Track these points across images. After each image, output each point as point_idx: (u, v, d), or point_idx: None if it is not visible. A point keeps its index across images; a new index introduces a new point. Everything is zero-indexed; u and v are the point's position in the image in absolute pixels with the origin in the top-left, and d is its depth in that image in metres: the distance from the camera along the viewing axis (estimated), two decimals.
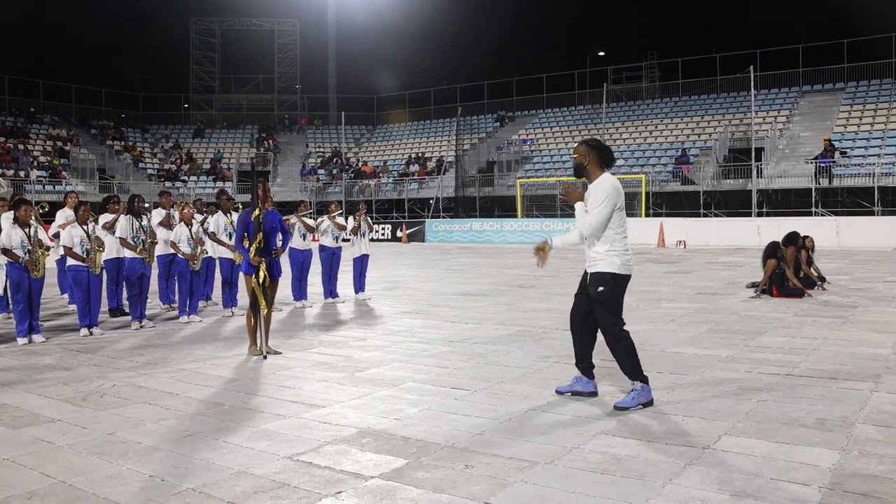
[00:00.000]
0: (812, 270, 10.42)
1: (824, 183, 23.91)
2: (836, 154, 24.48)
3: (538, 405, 4.58)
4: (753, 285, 10.16)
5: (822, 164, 23.99)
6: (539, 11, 49.29)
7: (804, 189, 24.28)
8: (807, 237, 10.53)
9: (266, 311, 6.41)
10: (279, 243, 6.73)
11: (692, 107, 33.37)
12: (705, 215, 25.26)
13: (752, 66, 27.27)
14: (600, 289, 4.45)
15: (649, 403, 4.46)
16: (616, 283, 4.47)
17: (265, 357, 6.28)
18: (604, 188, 4.45)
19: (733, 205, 25.55)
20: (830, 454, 3.58)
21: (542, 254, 4.72)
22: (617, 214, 4.46)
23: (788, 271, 9.69)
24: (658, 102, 35.18)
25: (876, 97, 28.79)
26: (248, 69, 45.04)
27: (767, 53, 32.05)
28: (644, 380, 4.49)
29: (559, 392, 4.81)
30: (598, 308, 4.49)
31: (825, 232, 19.26)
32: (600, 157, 4.56)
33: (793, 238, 10.11)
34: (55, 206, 10.59)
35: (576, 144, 4.63)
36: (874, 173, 23.12)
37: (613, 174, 4.65)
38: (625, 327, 4.51)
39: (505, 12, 49.27)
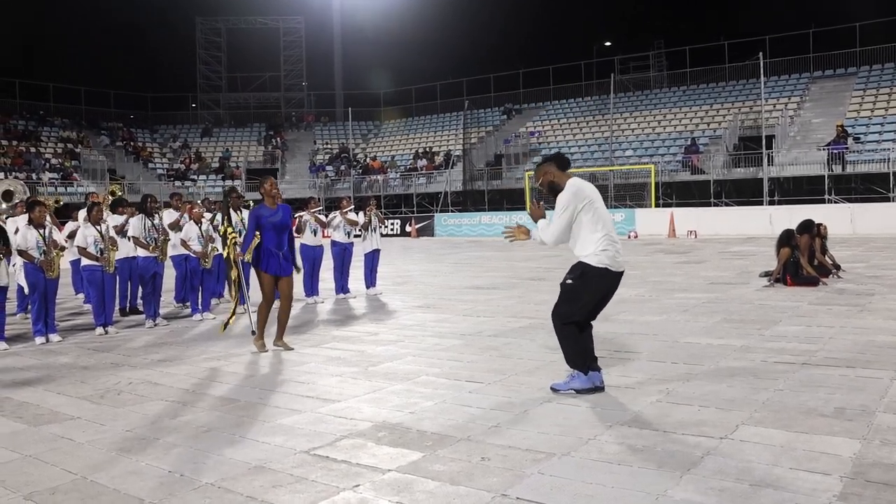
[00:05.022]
0: (826, 258, 10.32)
1: (837, 170, 23.67)
2: (850, 140, 24.20)
3: (553, 397, 4.56)
4: (767, 274, 10.08)
5: (835, 151, 23.73)
6: (544, 2, 49.02)
7: (817, 176, 24.05)
8: (821, 225, 10.43)
9: (285, 304, 6.50)
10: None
11: (701, 95, 33.09)
12: (716, 205, 25.07)
13: (761, 53, 27.00)
14: (568, 281, 4.59)
15: (588, 391, 4.53)
16: (587, 277, 4.51)
17: (267, 350, 6.36)
18: (564, 196, 4.56)
19: (744, 193, 25.34)
20: (851, 443, 3.54)
21: (523, 237, 4.86)
22: (585, 215, 4.51)
23: (803, 259, 9.60)
24: (666, 92, 34.90)
25: (890, 81, 28.38)
26: (254, 67, 45.10)
27: (777, 39, 31.63)
28: (584, 371, 4.56)
29: (554, 389, 4.63)
30: (561, 295, 4.62)
31: (839, 219, 19.07)
32: (559, 165, 4.70)
33: (807, 226, 10.02)
34: (69, 207, 10.66)
35: (533, 171, 4.70)
36: (889, 158, 22.86)
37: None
38: (574, 322, 4.52)
39: (510, 4, 49.02)
